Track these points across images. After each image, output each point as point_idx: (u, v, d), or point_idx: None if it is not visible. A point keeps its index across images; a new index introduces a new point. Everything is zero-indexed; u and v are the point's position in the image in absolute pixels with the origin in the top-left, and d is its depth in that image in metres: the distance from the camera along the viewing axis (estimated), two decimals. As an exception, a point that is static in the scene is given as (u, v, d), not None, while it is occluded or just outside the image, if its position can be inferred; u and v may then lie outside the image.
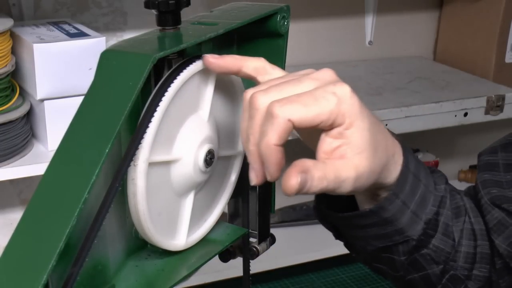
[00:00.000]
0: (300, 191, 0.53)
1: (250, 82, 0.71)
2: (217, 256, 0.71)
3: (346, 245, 0.75)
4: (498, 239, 0.73)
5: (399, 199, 0.64)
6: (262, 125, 0.54)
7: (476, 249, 0.73)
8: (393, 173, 0.63)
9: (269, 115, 0.53)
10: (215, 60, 0.60)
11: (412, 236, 0.67)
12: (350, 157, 0.55)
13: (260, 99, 0.55)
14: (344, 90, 0.56)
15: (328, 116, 0.54)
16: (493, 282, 0.75)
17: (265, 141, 0.53)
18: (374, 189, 0.64)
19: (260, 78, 0.60)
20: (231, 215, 0.75)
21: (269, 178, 0.55)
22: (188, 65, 0.60)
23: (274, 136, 0.53)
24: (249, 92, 0.56)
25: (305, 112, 0.53)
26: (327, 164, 0.55)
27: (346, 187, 0.55)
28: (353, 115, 0.55)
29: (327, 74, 0.58)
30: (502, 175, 0.76)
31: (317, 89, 0.55)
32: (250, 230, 0.74)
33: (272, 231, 0.76)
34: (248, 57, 0.60)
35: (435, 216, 0.69)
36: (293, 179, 0.52)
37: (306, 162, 0.53)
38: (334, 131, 0.55)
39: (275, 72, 0.60)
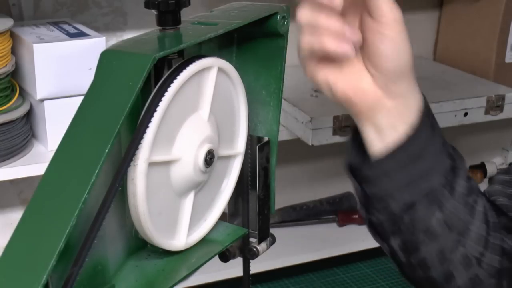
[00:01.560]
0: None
1: (249, 82, 0.71)
2: (217, 256, 0.71)
3: (370, 226, 0.75)
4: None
5: (421, 138, 0.67)
6: None
7: (488, 235, 0.74)
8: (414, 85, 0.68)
9: None
10: None
11: (434, 185, 0.68)
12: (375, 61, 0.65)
13: None
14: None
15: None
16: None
17: None
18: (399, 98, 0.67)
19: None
20: (231, 215, 0.75)
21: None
22: (188, 65, 0.60)
23: None
24: None
25: None
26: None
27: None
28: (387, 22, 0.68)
29: None
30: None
31: None
32: (250, 230, 0.74)
33: (272, 231, 0.76)
34: None
35: (451, 177, 0.71)
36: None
37: None
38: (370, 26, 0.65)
39: None
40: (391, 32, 0.65)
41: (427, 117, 0.68)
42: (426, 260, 0.73)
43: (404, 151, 0.67)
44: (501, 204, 0.77)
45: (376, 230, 0.75)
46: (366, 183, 0.71)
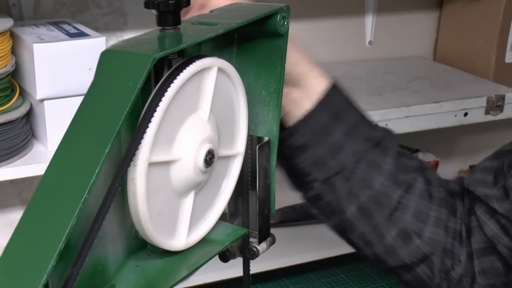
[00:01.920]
0: None
1: (249, 82, 0.71)
2: (217, 256, 0.71)
3: (304, 198, 0.80)
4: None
5: (325, 113, 0.71)
6: None
7: (430, 211, 0.75)
8: (317, 87, 0.74)
9: None
10: None
11: (344, 164, 0.71)
12: None
13: None
14: None
15: None
16: (454, 255, 0.76)
17: None
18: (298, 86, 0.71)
19: None
20: (231, 215, 0.75)
21: None
22: (188, 65, 0.60)
23: None
24: None
25: None
26: None
27: None
28: None
29: None
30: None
31: None
32: (250, 230, 0.74)
33: (272, 231, 0.76)
34: None
35: (371, 156, 0.73)
36: None
37: None
38: None
39: None
40: None
41: (326, 104, 0.72)
42: (365, 236, 0.75)
43: (309, 129, 0.70)
44: (482, 195, 0.77)
45: (316, 207, 0.77)
46: (285, 162, 0.74)
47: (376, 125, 0.76)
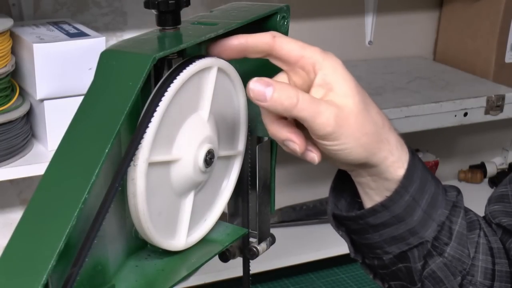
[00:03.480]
0: (267, 102, 0.58)
1: (249, 80, 0.71)
2: (217, 256, 0.71)
3: (362, 264, 0.73)
4: None
5: (408, 193, 0.64)
6: None
7: (495, 266, 0.72)
8: (400, 169, 0.64)
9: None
10: (221, 49, 0.62)
11: (426, 237, 0.66)
12: (335, 100, 0.59)
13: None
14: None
15: (310, 55, 0.61)
16: None
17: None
18: (380, 188, 0.64)
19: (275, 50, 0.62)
20: (231, 215, 0.75)
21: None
22: (188, 65, 0.60)
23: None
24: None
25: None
26: (300, 92, 0.58)
27: (325, 120, 0.58)
28: (334, 63, 0.62)
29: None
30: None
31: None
32: (250, 230, 0.74)
33: (272, 231, 0.76)
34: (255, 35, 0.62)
35: (448, 223, 0.69)
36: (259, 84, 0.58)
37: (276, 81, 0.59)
38: (318, 78, 0.60)
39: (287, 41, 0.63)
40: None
41: (413, 173, 0.65)
42: None
43: (389, 212, 0.65)
44: (508, 225, 0.74)
45: (372, 272, 0.74)
46: (353, 234, 0.70)
47: (445, 186, 0.71)
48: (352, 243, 0.71)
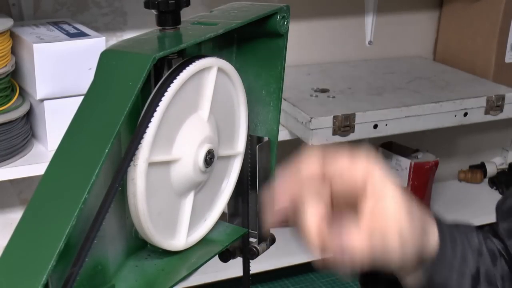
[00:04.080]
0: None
1: (249, 82, 0.71)
2: (217, 256, 0.71)
3: None
4: None
5: (443, 264, 0.66)
6: None
7: None
8: (433, 237, 0.65)
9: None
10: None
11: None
12: (387, 228, 0.59)
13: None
14: (373, 169, 0.60)
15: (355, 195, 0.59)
16: None
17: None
18: (417, 260, 0.65)
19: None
20: (231, 215, 0.75)
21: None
22: (188, 65, 0.60)
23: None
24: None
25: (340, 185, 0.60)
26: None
27: (393, 249, 0.59)
28: (382, 182, 0.59)
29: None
30: None
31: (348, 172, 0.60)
32: (250, 230, 0.74)
33: (272, 231, 0.76)
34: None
35: (477, 269, 0.70)
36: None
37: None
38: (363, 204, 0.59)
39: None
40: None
41: (445, 241, 0.66)
42: None
43: (427, 282, 0.66)
44: None
45: None
46: None
47: (464, 227, 0.73)
48: None
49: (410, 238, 0.61)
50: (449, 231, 0.68)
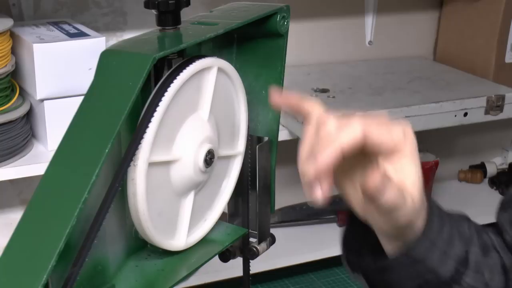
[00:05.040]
0: (380, 191, 0.56)
1: (249, 82, 0.71)
2: (217, 256, 0.71)
3: None
4: None
5: (428, 239, 0.66)
6: (334, 134, 0.57)
7: (508, 282, 0.74)
8: (420, 218, 0.65)
9: (347, 124, 0.57)
10: (281, 99, 0.62)
11: (443, 274, 0.68)
12: (407, 186, 0.60)
13: (332, 120, 0.59)
14: (409, 128, 0.61)
15: (394, 144, 0.59)
16: None
17: (336, 141, 0.56)
18: (401, 234, 0.66)
19: (314, 114, 0.62)
20: (231, 215, 0.75)
21: (310, 174, 0.56)
22: (188, 65, 0.60)
23: (346, 140, 0.56)
24: (320, 117, 0.59)
25: (380, 132, 0.58)
26: (393, 179, 0.58)
27: (405, 210, 0.60)
28: (412, 149, 0.61)
29: (384, 114, 0.63)
30: None
31: (388, 121, 0.60)
32: (250, 230, 0.74)
33: (272, 231, 0.76)
34: (309, 102, 0.62)
35: (465, 255, 0.70)
36: (377, 178, 0.56)
37: (383, 171, 0.58)
38: (394, 157, 0.60)
39: (328, 112, 0.62)
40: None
41: (432, 220, 0.67)
42: None
43: (407, 257, 0.66)
44: None
45: None
46: (369, 275, 0.70)
47: (456, 216, 0.72)
48: (367, 280, 0.72)
49: (410, 209, 0.61)
50: (439, 214, 0.68)
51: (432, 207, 0.67)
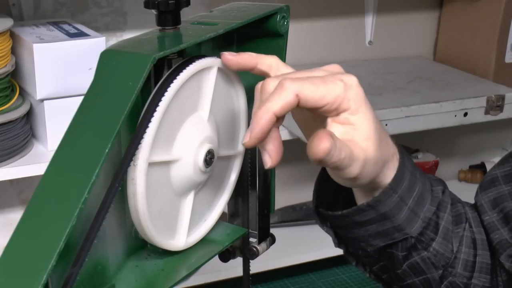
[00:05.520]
0: (327, 156, 0.55)
1: (249, 82, 0.71)
2: (217, 256, 0.71)
3: (346, 253, 0.74)
4: (502, 258, 0.73)
5: (396, 194, 0.65)
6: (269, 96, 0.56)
7: (476, 258, 0.73)
8: (391, 172, 0.64)
9: (278, 87, 0.55)
10: (232, 58, 0.62)
11: (411, 234, 0.67)
12: (358, 142, 0.58)
13: (272, 81, 0.57)
14: (352, 79, 0.58)
15: (334, 99, 0.56)
16: None
17: (267, 106, 0.55)
18: (371, 189, 0.65)
19: (272, 74, 0.62)
20: (231, 215, 0.75)
21: (246, 140, 0.56)
22: (188, 65, 0.60)
23: (277, 104, 0.55)
24: (263, 81, 0.58)
25: (313, 91, 0.56)
26: (342, 141, 0.57)
27: (355, 168, 0.58)
28: (358, 102, 0.58)
29: (335, 67, 0.61)
30: (504, 187, 0.76)
31: (327, 76, 0.58)
32: (250, 230, 0.74)
33: (272, 231, 0.76)
34: (263, 55, 0.62)
35: (435, 218, 0.69)
36: (326, 141, 0.54)
37: (330, 131, 0.56)
38: (341, 117, 0.58)
39: (287, 69, 0.62)
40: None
41: (402, 174, 0.65)
42: (411, 286, 0.73)
43: (375, 211, 0.65)
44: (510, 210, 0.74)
45: (355, 259, 0.75)
46: (338, 229, 0.70)
47: (432, 180, 0.72)
48: (336, 235, 0.71)
49: (372, 162, 0.59)
50: (412, 171, 0.67)
51: (405, 162, 0.66)
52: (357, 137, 0.58)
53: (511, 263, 0.72)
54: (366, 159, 0.59)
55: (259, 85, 0.58)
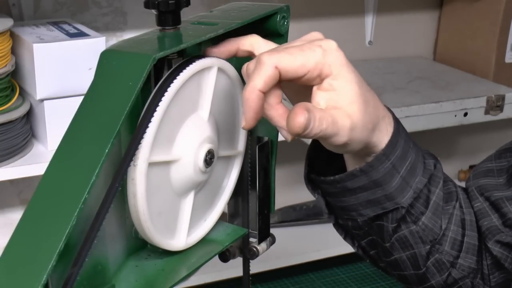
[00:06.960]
0: (305, 130, 0.55)
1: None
2: (217, 256, 0.71)
3: (335, 225, 0.75)
4: (490, 243, 0.74)
5: (389, 161, 0.65)
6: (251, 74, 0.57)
7: (464, 238, 0.74)
8: (385, 137, 0.64)
9: (257, 63, 0.56)
10: (216, 49, 0.63)
11: (402, 203, 0.67)
12: (343, 107, 0.58)
13: (252, 62, 0.58)
14: (330, 43, 0.60)
15: (314, 65, 0.57)
16: (484, 274, 0.75)
17: (250, 85, 0.56)
18: (365, 154, 0.65)
19: (256, 53, 0.62)
20: (231, 215, 0.75)
21: (243, 124, 0.57)
22: (188, 65, 0.60)
23: (259, 81, 0.55)
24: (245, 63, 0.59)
25: (291, 60, 0.56)
26: (324, 110, 0.57)
27: (342, 136, 0.58)
28: (339, 66, 0.59)
29: (314, 34, 0.62)
30: (497, 179, 0.76)
31: (305, 44, 0.58)
32: (250, 230, 0.74)
33: (272, 231, 0.76)
34: (243, 36, 0.63)
35: (426, 191, 0.69)
36: (300, 116, 0.54)
37: (308, 104, 0.56)
38: (325, 83, 0.58)
39: (268, 45, 0.62)
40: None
41: (396, 141, 0.65)
42: (398, 262, 0.73)
43: (367, 177, 0.65)
44: (499, 199, 0.75)
45: (344, 231, 0.75)
46: (329, 196, 0.70)
47: (424, 153, 0.72)
48: (327, 204, 0.71)
49: (360, 126, 0.59)
50: (406, 139, 0.67)
51: (400, 130, 0.66)
52: (341, 102, 0.58)
53: (500, 248, 0.73)
54: (353, 125, 0.58)
55: (243, 69, 0.59)
